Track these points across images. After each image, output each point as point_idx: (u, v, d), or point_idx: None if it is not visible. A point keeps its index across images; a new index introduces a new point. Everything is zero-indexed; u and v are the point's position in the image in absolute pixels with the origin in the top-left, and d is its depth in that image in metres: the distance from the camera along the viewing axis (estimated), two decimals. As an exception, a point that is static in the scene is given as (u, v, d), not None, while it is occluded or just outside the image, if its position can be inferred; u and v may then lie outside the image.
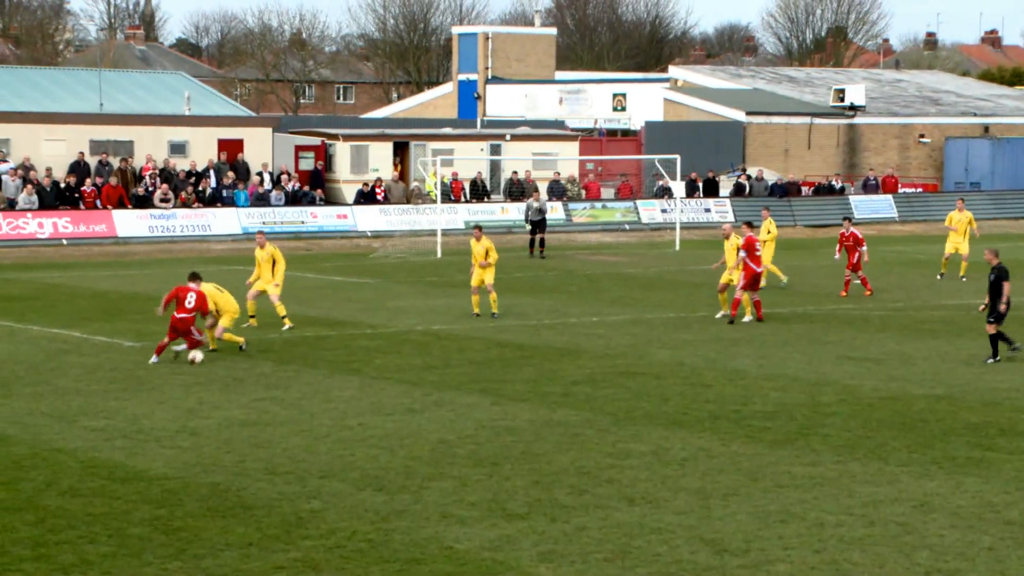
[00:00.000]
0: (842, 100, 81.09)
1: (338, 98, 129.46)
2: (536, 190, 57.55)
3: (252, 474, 18.99)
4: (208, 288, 28.40)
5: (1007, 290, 28.12)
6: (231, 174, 58.73)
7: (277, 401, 23.93)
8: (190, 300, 27.47)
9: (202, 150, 59.96)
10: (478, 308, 33.94)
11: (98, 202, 55.43)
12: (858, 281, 39.14)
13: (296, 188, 59.68)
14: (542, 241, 50.63)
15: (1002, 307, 27.99)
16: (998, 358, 28.04)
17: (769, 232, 40.51)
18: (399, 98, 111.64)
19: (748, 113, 78.48)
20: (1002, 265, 28.49)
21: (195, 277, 28.08)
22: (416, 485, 18.49)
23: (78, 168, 56.43)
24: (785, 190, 67.06)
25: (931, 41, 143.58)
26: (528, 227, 51.41)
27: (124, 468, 19.25)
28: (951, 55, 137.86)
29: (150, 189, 56.63)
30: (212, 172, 58.93)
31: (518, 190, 62.46)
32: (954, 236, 44.03)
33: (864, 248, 38.98)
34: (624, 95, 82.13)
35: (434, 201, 57.08)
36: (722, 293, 34.85)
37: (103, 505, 17.41)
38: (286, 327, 31.51)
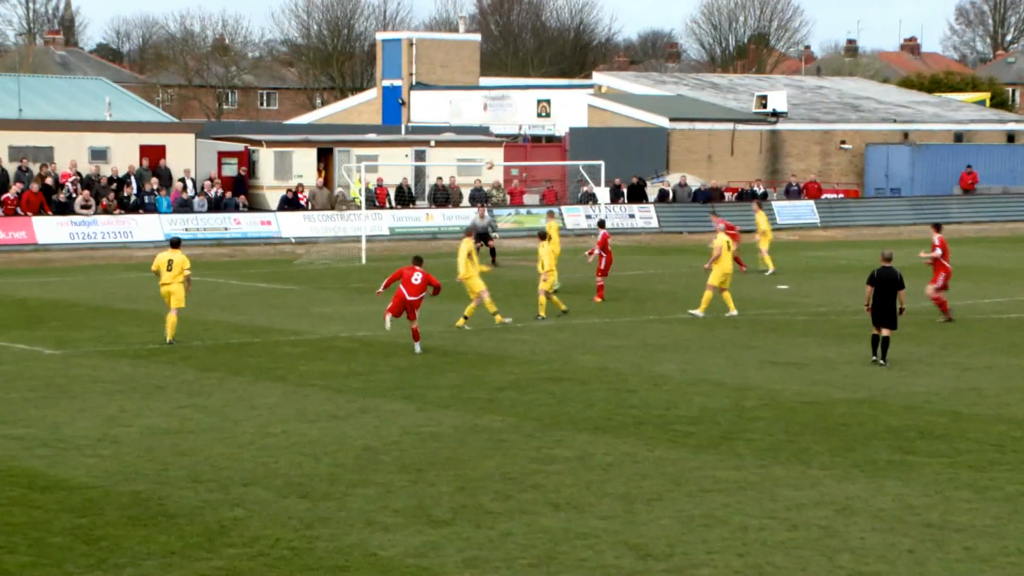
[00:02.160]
0: (764, 106, 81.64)
1: (262, 104, 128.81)
2: (482, 204, 56.13)
3: (175, 482, 18.85)
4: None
5: (867, 293, 28.87)
6: (153, 180, 58.31)
7: (200, 408, 23.77)
8: (416, 278, 29.44)
9: (124, 156, 59.46)
10: (544, 311, 35.31)
11: (18, 209, 54.87)
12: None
13: (219, 194, 59.33)
14: (492, 250, 49.72)
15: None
16: (875, 359, 28.52)
17: (551, 239, 40.80)
18: (323, 104, 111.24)
19: (672, 119, 78.81)
20: (875, 270, 29.08)
21: (419, 261, 29.99)
22: (340, 492, 18.42)
23: (-3, 174, 55.86)
24: (708, 196, 67.43)
25: (852, 48, 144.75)
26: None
27: (44, 477, 19.05)
28: (871, 62, 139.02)
29: (71, 196, 56.12)
30: (134, 178, 58.46)
31: (443, 196, 62.28)
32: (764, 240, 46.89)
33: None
34: (548, 101, 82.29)
35: (359, 207, 56.91)
36: (725, 292, 35.76)
37: (23, 514, 17.22)
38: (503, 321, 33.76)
